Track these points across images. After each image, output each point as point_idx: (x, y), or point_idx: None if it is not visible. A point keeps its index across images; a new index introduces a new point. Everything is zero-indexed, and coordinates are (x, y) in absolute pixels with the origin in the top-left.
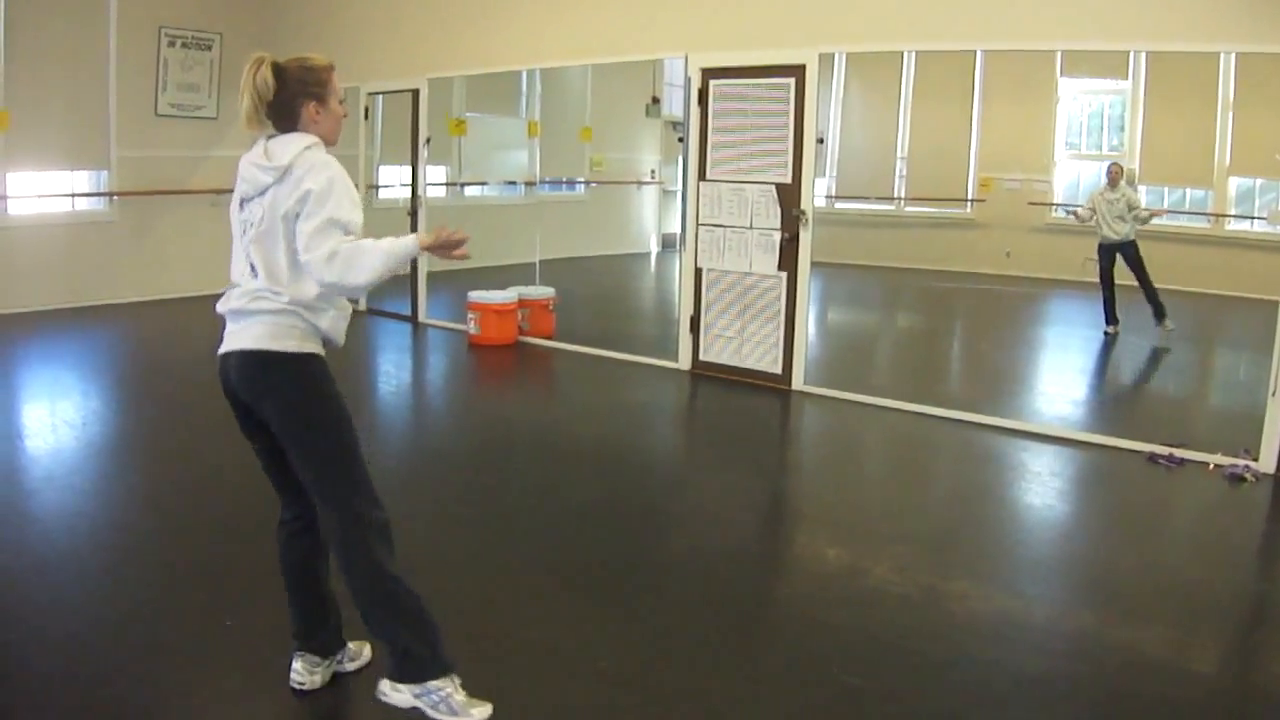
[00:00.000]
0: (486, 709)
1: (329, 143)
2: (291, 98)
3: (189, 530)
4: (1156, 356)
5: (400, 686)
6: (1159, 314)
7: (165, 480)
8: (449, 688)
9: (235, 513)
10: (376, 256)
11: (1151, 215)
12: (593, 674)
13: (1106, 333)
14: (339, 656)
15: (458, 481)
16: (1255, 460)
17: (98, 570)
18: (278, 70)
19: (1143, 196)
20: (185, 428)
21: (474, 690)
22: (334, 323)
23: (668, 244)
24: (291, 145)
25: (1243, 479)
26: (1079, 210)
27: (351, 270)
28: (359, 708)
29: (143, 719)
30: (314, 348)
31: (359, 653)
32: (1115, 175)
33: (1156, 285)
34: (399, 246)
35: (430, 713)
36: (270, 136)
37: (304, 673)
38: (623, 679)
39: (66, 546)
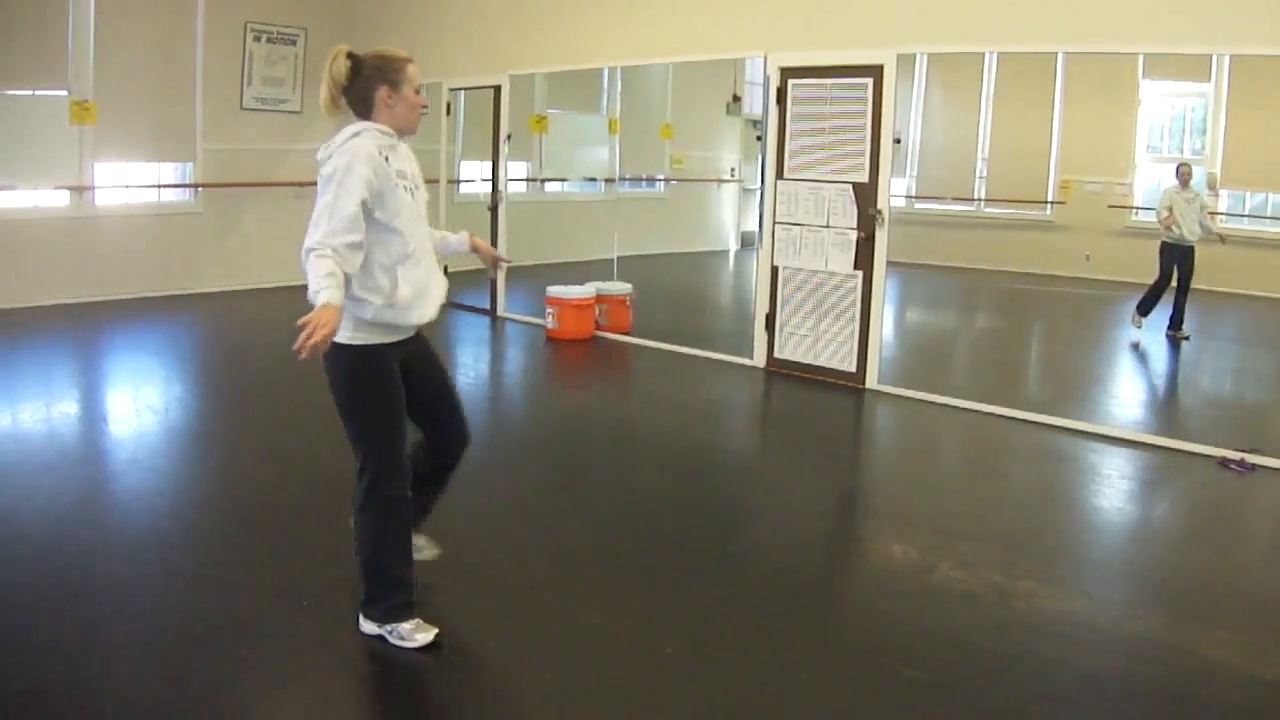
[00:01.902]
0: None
1: (405, 130)
2: (365, 83)
3: (266, 513)
4: (1233, 361)
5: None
6: (1182, 321)
7: (243, 465)
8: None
9: (310, 497)
10: (311, 277)
11: (1220, 234)
12: (658, 659)
13: (1166, 337)
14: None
15: (532, 469)
16: None
17: (179, 550)
18: (354, 59)
19: (1224, 200)
20: (263, 415)
21: (543, 674)
22: (380, 312)
23: (746, 242)
24: (344, 132)
25: None
26: (1163, 214)
27: (308, 272)
28: (430, 683)
29: (224, 694)
30: (360, 338)
31: (422, 548)
32: (1186, 175)
33: (1239, 291)
34: (316, 284)
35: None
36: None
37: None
38: (687, 665)
39: (148, 526)
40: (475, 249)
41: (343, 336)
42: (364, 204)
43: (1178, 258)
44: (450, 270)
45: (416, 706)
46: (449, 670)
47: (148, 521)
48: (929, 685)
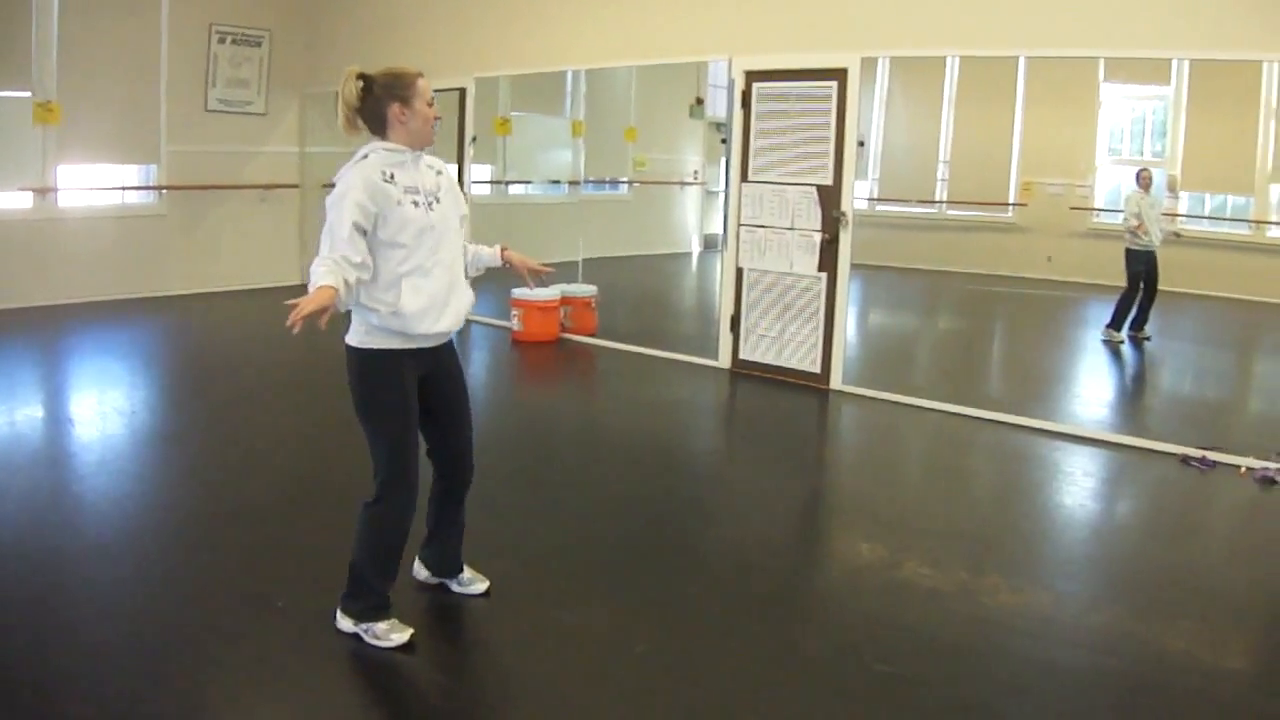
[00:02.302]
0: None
1: (421, 144)
2: (378, 102)
3: (238, 514)
4: (1194, 361)
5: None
6: (1145, 322)
7: (213, 466)
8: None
9: (282, 498)
10: (312, 277)
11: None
12: (631, 657)
13: (1133, 338)
14: (450, 580)
15: (501, 471)
16: None
17: (153, 552)
18: (365, 79)
19: (1184, 202)
20: (230, 417)
21: (517, 673)
22: (386, 320)
23: (709, 244)
24: (355, 154)
25: (1274, 482)
26: (1133, 221)
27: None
28: (406, 683)
29: (203, 694)
30: (372, 343)
31: (470, 581)
32: (1148, 179)
33: (1199, 291)
34: (317, 279)
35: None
36: None
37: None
38: (660, 663)
39: (121, 529)
40: (508, 262)
41: (355, 339)
42: (357, 226)
43: (1145, 263)
44: None
45: (393, 706)
46: (424, 671)
47: (120, 524)
48: (900, 679)
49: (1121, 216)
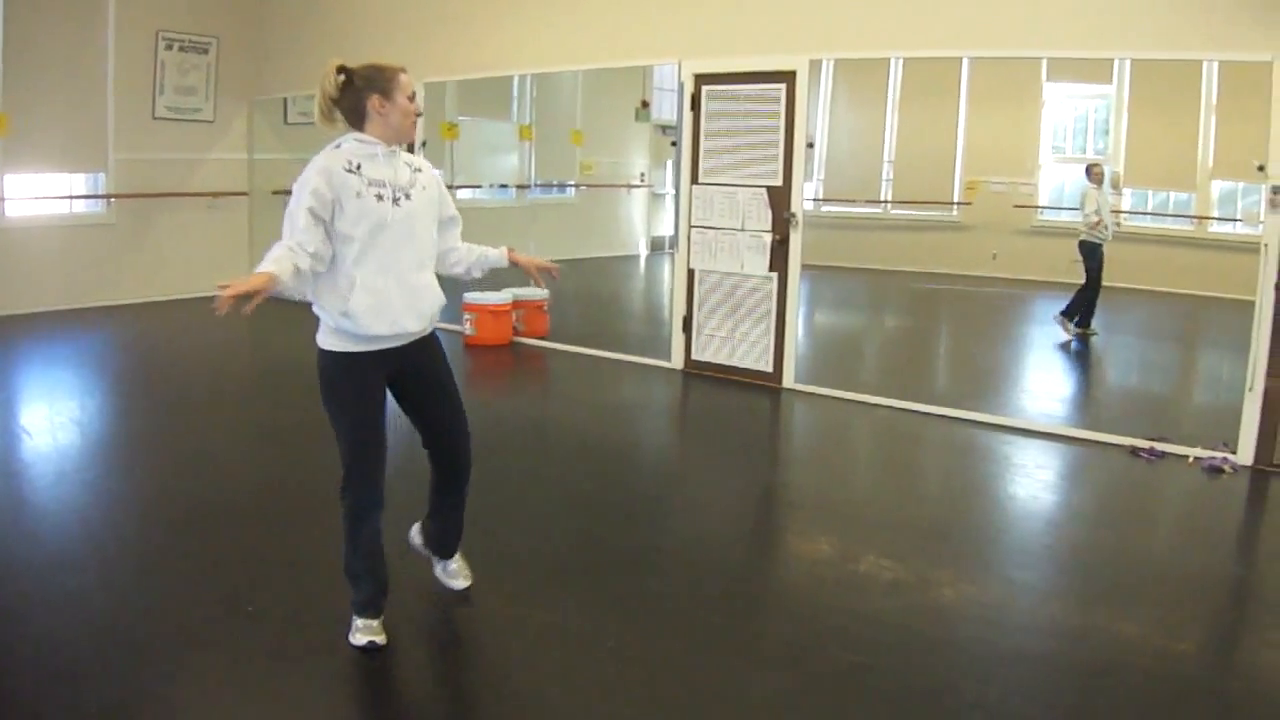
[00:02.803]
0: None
1: (400, 138)
2: (358, 94)
3: (201, 520)
4: (1140, 355)
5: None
6: (1092, 317)
7: (172, 473)
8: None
9: (242, 503)
10: (265, 257)
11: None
12: (603, 652)
13: (1080, 335)
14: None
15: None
16: (1233, 453)
17: (117, 560)
18: (346, 72)
19: (1126, 199)
20: (186, 423)
21: (491, 671)
22: (339, 321)
23: (656, 246)
24: (330, 144)
25: (1221, 471)
26: (1094, 217)
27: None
28: (382, 684)
29: (177, 700)
30: (333, 345)
31: (455, 574)
32: (1100, 174)
33: (1143, 287)
34: (265, 263)
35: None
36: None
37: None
38: (630, 657)
39: (85, 538)
40: (515, 264)
41: (320, 340)
42: (312, 212)
43: (1100, 257)
44: None
45: (368, 707)
46: (399, 671)
47: (83, 533)
48: (863, 667)
49: (1081, 213)
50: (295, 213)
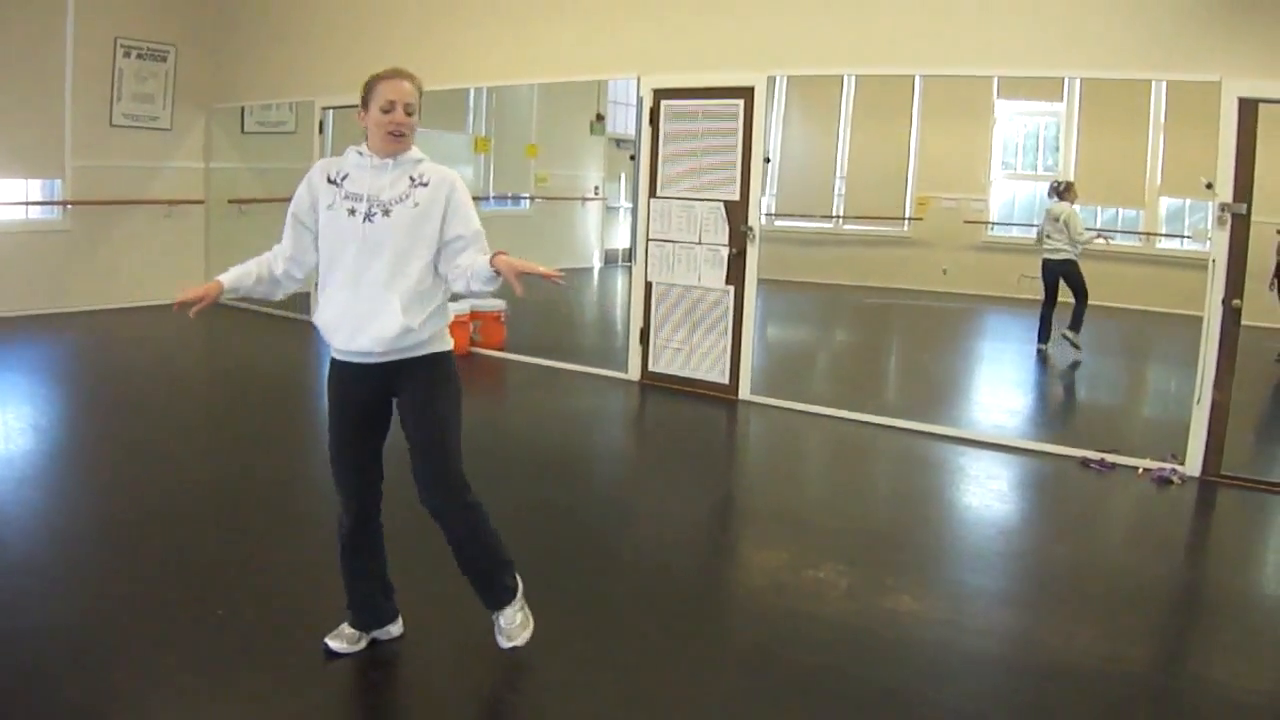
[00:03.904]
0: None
1: (381, 149)
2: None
3: (167, 524)
4: (1089, 369)
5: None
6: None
7: (135, 478)
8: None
9: (206, 506)
10: None
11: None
12: (569, 656)
13: (1042, 350)
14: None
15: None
16: (1181, 464)
17: (85, 564)
18: None
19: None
20: (147, 429)
21: (463, 676)
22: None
23: (610, 259)
24: None
25: (1169, 481)
26: (1087, 233)
27: None
28: (353, 689)
29: (150, 701)
30: (332, 351)
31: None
32: (1075, 193)
33: (1093, 302)
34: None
35: None
36: None
37: None
38: (597, 661)
39: (50, 542)
40: (497, 270)
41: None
42: (295, 215)
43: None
44: None
45: (341, 710)
46: (365, 674)
47: (48, 537)
48: (823, 668)
49: (1069, 235)
50: (288, 215)
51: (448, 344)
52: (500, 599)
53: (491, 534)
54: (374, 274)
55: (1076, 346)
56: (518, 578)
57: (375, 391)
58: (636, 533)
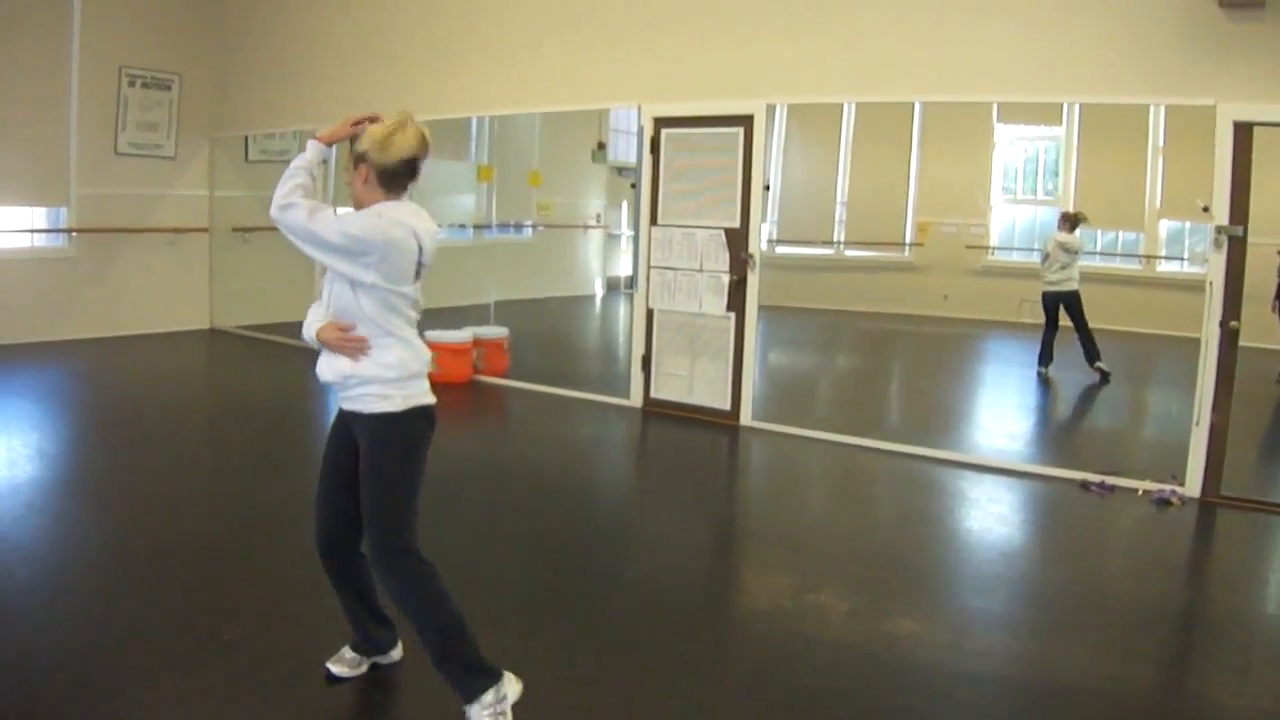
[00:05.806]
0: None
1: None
2: None
3: (174, 553)
4: (1089, 392)
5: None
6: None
7: (142, 507)
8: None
9: (212, 534)
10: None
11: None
12: (574, 680)
13: (1042, 373)
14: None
15: (425, 510)
16: (1181, 486)
17: (93, 592)
18: None
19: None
20: (153, 458)
21: (456, 700)
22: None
23: (612, 286)
24: None
25: (1169, 503)
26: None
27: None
28: (360, 712)
29: None
30: None
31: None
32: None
33: (1092, 325)
34: (301, 159)
35: None
36: None
37: None
38: (602, 685)
39: (59, 570)
40: (324, 342)
41: None
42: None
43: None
44: None
45: None
46: (370, 694)
47: (57, 565)
48: (827, 690)
49: (1077, 261)
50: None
51: (395, 405)
52: (462, 691)
53: (427, 613)
54: (334, 307)
55: (1107, 374)
56: (500, 688)
57: (347, 432)
58: (638, 558)
